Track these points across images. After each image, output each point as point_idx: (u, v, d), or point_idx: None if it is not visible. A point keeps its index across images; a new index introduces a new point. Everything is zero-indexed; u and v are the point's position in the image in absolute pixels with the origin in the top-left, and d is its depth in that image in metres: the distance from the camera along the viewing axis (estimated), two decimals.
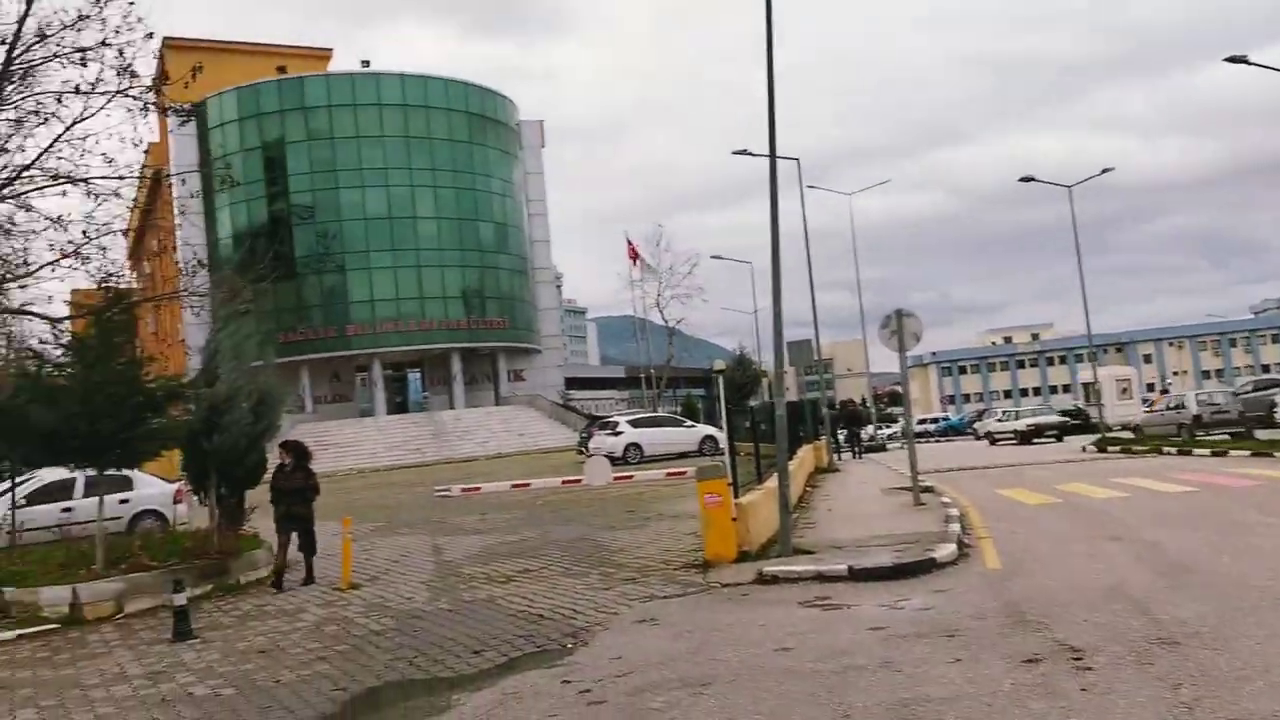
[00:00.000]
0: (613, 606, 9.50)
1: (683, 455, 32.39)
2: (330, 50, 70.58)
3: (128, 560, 12.37)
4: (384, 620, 9.79)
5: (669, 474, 24.08)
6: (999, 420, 43.60)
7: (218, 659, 8.75)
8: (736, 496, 11.72)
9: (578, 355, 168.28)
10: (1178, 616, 7.29)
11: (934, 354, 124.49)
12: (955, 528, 12.28)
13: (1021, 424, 38.22)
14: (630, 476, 24.39)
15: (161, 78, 13.15)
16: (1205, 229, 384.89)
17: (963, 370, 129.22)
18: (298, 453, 12.50)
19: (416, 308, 57.26)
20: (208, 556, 12.87)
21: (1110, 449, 27.29)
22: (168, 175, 17.41)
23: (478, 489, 25.13)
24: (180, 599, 9.81)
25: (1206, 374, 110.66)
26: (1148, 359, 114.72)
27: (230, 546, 13.25)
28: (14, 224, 16.20)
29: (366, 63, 61.32)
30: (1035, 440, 36.00)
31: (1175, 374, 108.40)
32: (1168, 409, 30.17)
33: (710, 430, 33.68)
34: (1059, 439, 36.29)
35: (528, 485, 24.92)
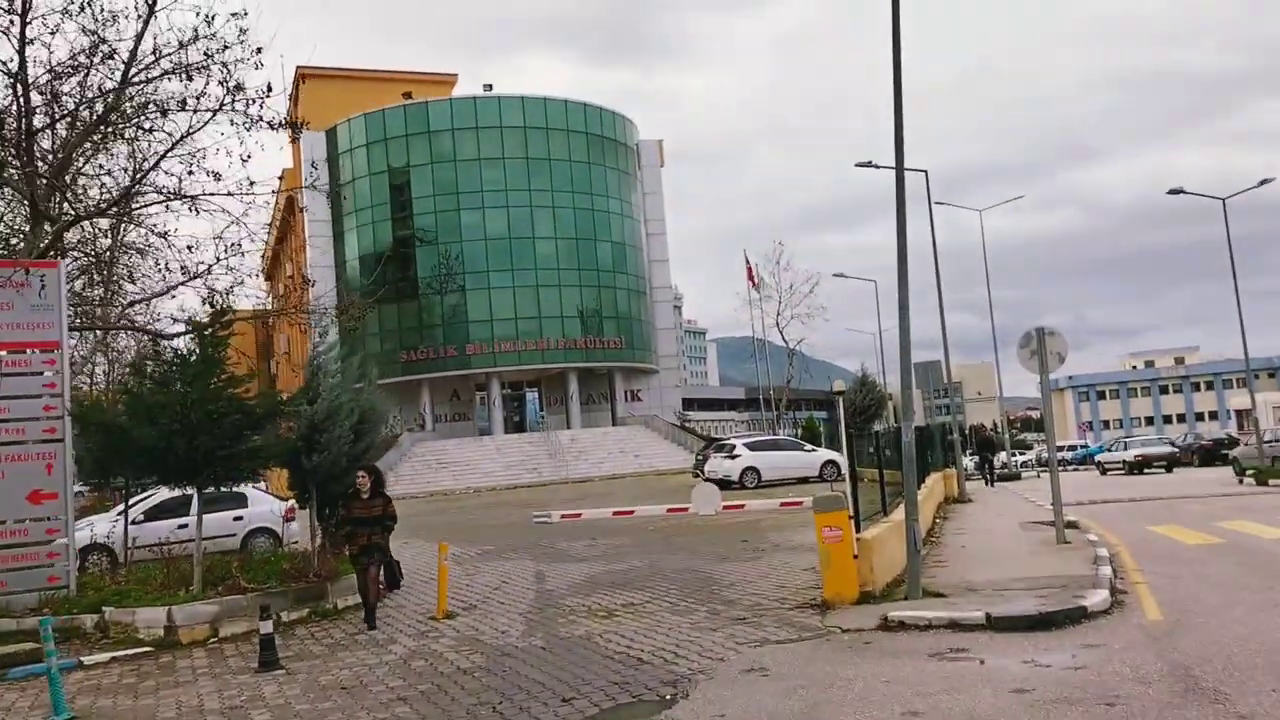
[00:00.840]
0: (719, 651, 8.66)
1: (803, 480, 31.22)
2: (455, 76, 71.75)
3: (226, 582, 12.13)
4: (474, 657, 9.17)
5: (783, 504, 22.92)
6: (1109, 450, 44.12)
7: (298, 694, 8.26)
8: (858, 530, 10.75)
9: (697, 376, 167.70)
10: None
11: (1070, 378, 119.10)
12: (1106, 571, 11.03)
13: (1130, 454, 38.47)
14: (741, 505, 23.21)
15: (268, 89, 12.94)
16: None
17: (1101, 395, 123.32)
18: (377, 477, 11.78)
19: (534, 327, 57.39)
20: (306, 579, 12.54)
21: (1272, 481, 25.06)
22: (275, 193, 17.35)
23: (578, 515, 24.44)
24: (266, 627, 9.39)
25: None
26: None
27: (329, 569, 12.88)
28: (149, 245, 16.40)
29: (489, 86, 62.08)
30: (1145, 470, 36.44)
31: None
32: (1266, 441, 29.35)
33: (832, 455, 32.41)
34: (1168, 470, 36.58)
35: (631, 512, 24.03)
